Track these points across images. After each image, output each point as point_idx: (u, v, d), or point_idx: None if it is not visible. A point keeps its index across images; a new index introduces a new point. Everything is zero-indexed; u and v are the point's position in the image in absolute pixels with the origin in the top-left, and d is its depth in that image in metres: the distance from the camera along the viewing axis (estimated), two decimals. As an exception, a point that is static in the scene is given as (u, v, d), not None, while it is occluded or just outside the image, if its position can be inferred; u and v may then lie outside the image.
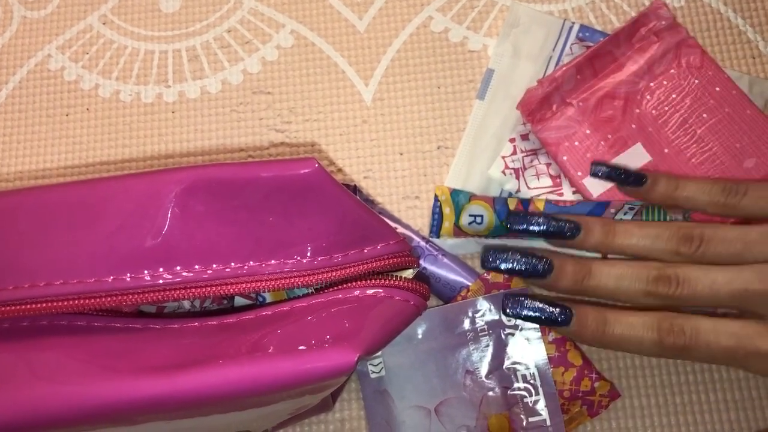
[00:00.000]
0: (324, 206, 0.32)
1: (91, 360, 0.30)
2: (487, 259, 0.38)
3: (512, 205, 0.42)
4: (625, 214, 0.41)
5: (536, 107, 0.43)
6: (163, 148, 0.47)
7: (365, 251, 0.33)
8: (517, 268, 0.37)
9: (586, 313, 0.36)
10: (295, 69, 0.48)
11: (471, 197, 0.43)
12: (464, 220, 0.42)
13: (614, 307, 0.37)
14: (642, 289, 0.36)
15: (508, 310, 0.37)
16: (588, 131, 0.43)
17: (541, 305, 0.36)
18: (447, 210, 0.43)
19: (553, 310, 0.36)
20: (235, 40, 0.49)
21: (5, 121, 0.47)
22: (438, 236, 0.43)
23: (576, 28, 0.46)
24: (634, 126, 0.43)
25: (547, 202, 0.42)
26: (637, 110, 0.43)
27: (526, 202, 0.42)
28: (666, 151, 0.42)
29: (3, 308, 0.30)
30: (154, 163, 0.46)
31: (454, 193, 0.43)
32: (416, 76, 0.48)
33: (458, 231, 0.43)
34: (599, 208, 0.41)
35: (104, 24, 0.49)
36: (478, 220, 0.42)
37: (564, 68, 0.43)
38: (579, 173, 0.42)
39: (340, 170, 0.46)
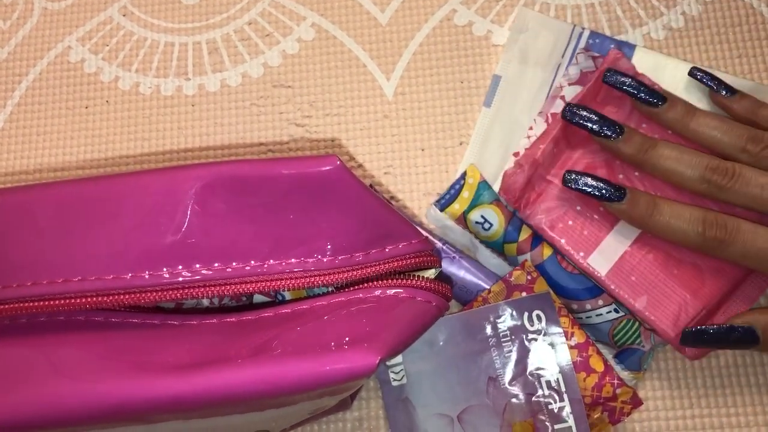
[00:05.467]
0: (345, 204, 0.32)
1: (109, 357, 0.30)
2: (565, 111, 0.40)
3: (524, 234, 0.41)
4: (608, 312, 0.40)
5: (520, 194, 0.41)
6: (183, 142, 0.46)
7: (387, 250, 0.33)
8: (589, 126, 0.40)
9: (638, 195, 0.38)
10: (316, 62, 0.47)
11: (494, 200, 0.42)
12: (474, 216, 0.42)
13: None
14: (698, 175, 0.38)
15: (569, 183, 0.39)
16: (579, 207, 0.41)
17: (598, 182, 0.38)
18: (466, 194, 0.42)
19: (609, 187, 0.38)
20: (255, 33, 0.48)
21: (25, 113, 0.47)
22: (441, 210, 0.42)
23: (586, 34, 0.45)
24: None
25: (553, 254, 0.41)
26: (621, 175, 0.41)
27: (537, 239, 0.41)
28: None
29: (21, 304, 0.30)
30: (173, 156, 0.46)
31: (483, 185, 0.42)
32: (439, 71, 0.47)
33: (462, 220, 0.42)
34: (596, 290, 0.41)
35: (124, 16, 0.49)
36: (486, 225, 0.42)
37: (542, 147, 0.41)
38: (581, 254, 0.40)
39: (360, 166, 0.45)
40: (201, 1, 0.49)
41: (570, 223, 0.41)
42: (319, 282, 0.32)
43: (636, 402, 0.39)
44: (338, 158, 0.31)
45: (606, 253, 0.40)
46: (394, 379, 0.40)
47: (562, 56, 0.45)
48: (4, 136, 0.47)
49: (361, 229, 0.32)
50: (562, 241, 0.41)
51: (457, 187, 0.43)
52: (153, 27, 0.48)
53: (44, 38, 0.48)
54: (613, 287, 0.40)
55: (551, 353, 0.39)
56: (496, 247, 0.42)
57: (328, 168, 0.31)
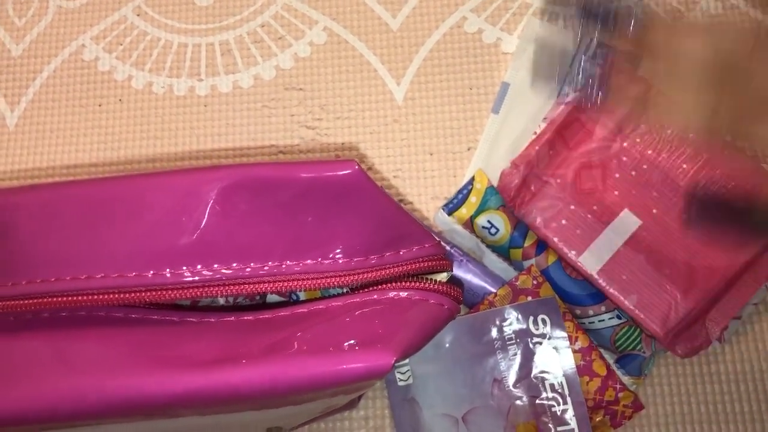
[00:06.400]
0: (362, 208, 0.32)
1: (129, 352, 0.31)
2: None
3: (530, 240, 0.42)
4: (610, 318, 0.41)
5: (516, 193, 0.42)
6: (194, 141, 0.47)
7: (401, 253, 0.33)
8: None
9: None
10: (328, 66, 0.48)
11: (501, 206, 0.43)
12: (480, 221, 0.43)
13: None
14: None
15: None
16: (573, 207, 0.42)
17: None
18: (473, 199, 0.43)
19: None
20: (268, 36, 0.49)
21: (39, 110, 0.47)
22: (449, 215, 0.43)
23: (594, 43, 0.46)
24: (616, 193, 0.42)
25: (557, 260, 0.42)
26: (617, 175, 0.42)
27: (542, 245, 0.42)
28: (655, 211, 0.41)
29: (45, 299, 0.31)
30: (185, 155, 0.47)
31: (489, 190, 0.43)
32: (448, 77, 0.48)
33: (469, 224, 0.43)
34: (599, 296, 0.41)
35: (138, 15, 0.49)
36: (492, 231, 0.42)
37: (537, 147, 0.42)
38: (573, 252, 0.41)
39: (370, 169, 0.46)
40: (215, 2, 0.49)
41: (563, 222, 0.42)
42: (335, 283, 0.32)
43: (637, 406, 0.40)
44: (357, 163, 0.32)
45: (598, 252, 0.41)
46: (401, 380, 0.40)
47: (570, 65, 0.46)
48: (18, 133, 0.47)
49: (376, 232, 0.33)
50: (555, 239, 0.42)
51: (465, 191, 0.43)
52: (166, 27, 0.49)
53: (59, 36, 0.49)
54: (604, 285, 0.41)
55: (555, 357, 0.39)
56: (502, 251, 0.43)
57: (347, 172, 0.31)
